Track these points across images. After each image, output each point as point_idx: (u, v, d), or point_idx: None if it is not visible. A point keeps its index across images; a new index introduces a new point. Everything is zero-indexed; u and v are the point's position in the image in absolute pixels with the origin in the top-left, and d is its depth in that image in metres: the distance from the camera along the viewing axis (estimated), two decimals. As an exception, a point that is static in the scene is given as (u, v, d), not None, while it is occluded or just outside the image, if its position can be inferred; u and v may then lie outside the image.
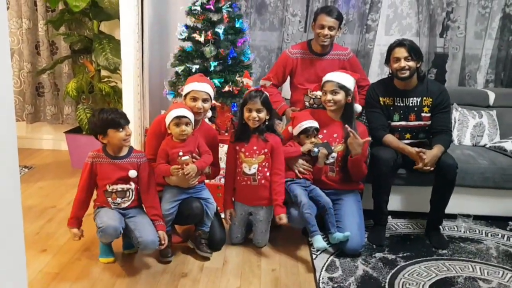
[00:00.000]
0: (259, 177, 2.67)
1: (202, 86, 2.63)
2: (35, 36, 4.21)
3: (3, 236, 1.44)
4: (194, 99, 2.61)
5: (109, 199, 2.50)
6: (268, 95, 2.69)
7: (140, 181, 2.54)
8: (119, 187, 2.50)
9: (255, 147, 2.67)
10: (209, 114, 3.44)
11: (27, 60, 4.22)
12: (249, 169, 2.67)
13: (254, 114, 2.61)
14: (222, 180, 3.20)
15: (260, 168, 2.67)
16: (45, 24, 4.10)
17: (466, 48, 3.99)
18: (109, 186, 2.49)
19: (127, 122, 2.49)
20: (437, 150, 2.84)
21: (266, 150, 2.67)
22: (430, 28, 3.96)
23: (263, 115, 2.63)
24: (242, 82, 3.37)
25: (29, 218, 3.04)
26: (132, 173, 2.50)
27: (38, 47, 4.25)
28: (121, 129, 2.45)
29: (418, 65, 2.96)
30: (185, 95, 2.66)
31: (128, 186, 2.51)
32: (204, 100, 2.62)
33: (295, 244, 2.83)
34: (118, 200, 2.50)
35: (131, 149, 2.56)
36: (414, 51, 2.91)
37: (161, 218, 2.53)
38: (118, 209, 2.51)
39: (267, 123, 2.67)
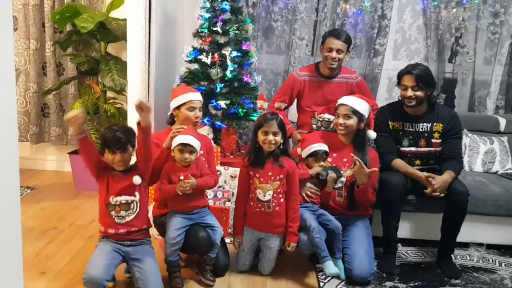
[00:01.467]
0: (273, 204, 2.58)
1: (197, 95, 2.66)
2: (42, 57, 4.21)
3: (1, 258, 1.38)
4: (193, 109, 2.60)
5: (113, 212, 2.34)
6: (283, 117, 2.62)
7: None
8: (123, 198, 2.35)
9: (270, 173, 2.58)
10: (211, 135, 3.40)
11: (33, 81, 4.21)
12: (264, 196, 2.57)
13: (271, 137, 2.53)
14: (227, 204, 3.14)
15: (275, 195, 2.57)
16: (52, 45, 4.10)
17: (476, 73, 3.95)
18: (113, 198, 2.35)
19: (123, 147, 2.33)
20: (447, 175, 2.76)
21: (281, 176, 2.58)
22: (438, 53, 3.94)
23: (279, 138, 2.54)
24: (256, 104, 3.34)
25: (29, 239, 2.96)
26: (136, 179, 2.36)
27: (45, 68, 4.24)
28: (113, 153, 2.33)
29: (429, 94, 2.90)
30: (179, 106, 2.62)
31: (132, 198, 2.37)
32: (200, 109, 2.65)
33: (302, 271, 2.73)
34: (122, 213, 2.35)
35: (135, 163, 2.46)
36: (422, 81, 2.83)
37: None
38: (120, 246, 2.35)
39: (281, 146, 2.60)
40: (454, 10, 3.86)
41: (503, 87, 3.98)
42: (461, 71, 3.95)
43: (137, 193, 2.40)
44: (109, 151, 2.34)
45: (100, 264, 2.23)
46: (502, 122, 3.69)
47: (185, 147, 2.44)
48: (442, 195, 2.73)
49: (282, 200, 2.59)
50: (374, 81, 3.98)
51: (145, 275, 2.30)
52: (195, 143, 2.46)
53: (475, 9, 3.84)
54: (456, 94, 4.02)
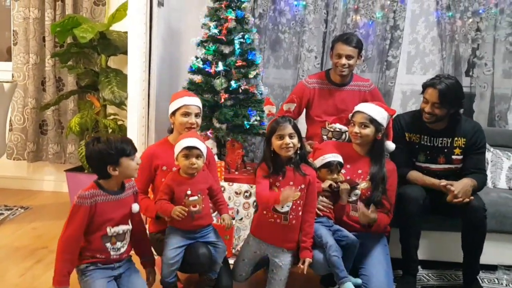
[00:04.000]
0: (291, 216, 2.30)
1: (193, 100, 2.47)
2: (41, 71, 4.08)
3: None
4: (187, 114, 2.41)
5: (108, 244, 2.05)
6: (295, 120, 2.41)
7: (133, 217, 2.17)
8: (121, 228, 2.08)
9: (291, 182, 2.30)
10: (215, 150, 3.19)
11: (32, 96, 4.07)
12: (282, 207, 2.30)
13: (288, 139, 2.26)
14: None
15: (294, 207, 2.30)
16: (51, 58, 3.96)
17: (495, 87, 3.73)
18: (111, 229, 2.05)
19: (136, 149, 2.13)
20: (468, 180, 2.55)
21: (303, 186, 2.31)
22: (455, 66, 3.73)
23: (296, 141, 2.29)
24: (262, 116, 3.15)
25: (15, 259, 2.76)
26: (135, 207, 2.12)
27: (44, 83, 4.11)
28: (133, 157, 2.07)
29: (452, 112, 2.68)
30: (173, 112, 2.45)
31: (127, 226, 2.13)
32: (197, 115, 2.45)
33: (313, 294, 2.47)
34: (118, 244, 2.08)
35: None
36: (446, 98, 2.59)
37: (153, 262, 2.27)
38: (111, 271, 2.08)
39: (299, 151, 2.35)
40: (470, 20, 3.66)
41: (525, 101, 3.75)
42: (479, 84, 3.72)
43: (130, 222, 2.15)
44: (129, 157, 2.05)
45: None
46: (526, 137, 3.45)
47: (190, 151, 2.21)
48: (467, 200, 2.49)
49: (300, 213, 2.34)
50: (387, 95, 3.77)
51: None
52: (201, 146, 2.24)
53: (492, 18, 3.64)
54: (475, 109, 3.78)
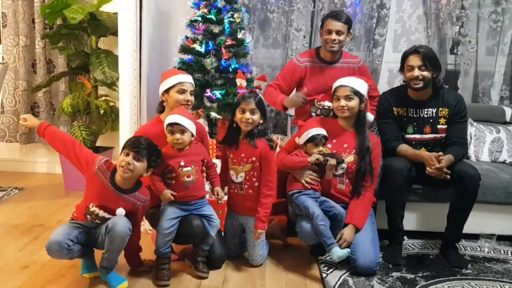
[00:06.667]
0: (246, 186, 2.49)
1: (188, 78, 2.50)
2: (32, 53, 4.08)
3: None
4: (183, 91, 2.44)
5: (88, 216, 2.21)
6: (262, 98, 2.53)
7: (132, 220, 2.24)
8: (102, 213, 2.20)
9: (243, 154, 2.48)
10: (206, 128, 3.25)
11: (22, 78, 4.07)
12: (236, 177, 2.51)
13: (248, 115, 2.42)
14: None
15: (247, 177, 2.49)
16: (41, 39, 3.97)
17: (478, 64, 3.82)
18: (93, 206, 2.20)
19: (139, 152, 2.15)
20: (447, 157, 2.62)
21: (254, 159, 2.47)
22: (440, 44, 3.81)
23: (256, 117, 2.44)
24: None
25: (13, 236, 2.82)
26: (120, 212, 2.19)
27: (34, 65, 4.11)
28: (126, 155, 2.16)
29: (435, 75, 2.76)
30: (167, 90, 2.47)
31: (111, 216, 2.22)
32: (191, 92, 2.48)
33: (303, 263, 2.57)
34: (97, 221, 2.22)
35: (138, 187, 2.25)
36: (429, 60, 2.70)
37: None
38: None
39: (260, 127, 2.48)
40: (455, -2, 3.74)
41: (507, 78, 3.84)
42: (464, 61, 3.82)
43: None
44: (123, 152, 2.17)
45: (63, 229, 2.16)
46: (508, 112, 3.54)
47: (173, 127, 2.30)
48: (448, 177, 2.57)
49: (256, 184, 2.49)
50: (375, 73, 3.85)
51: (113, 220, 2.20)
52: (184, 121, 2.30)
53: (475, -4, 3.73)
54: (459, 86, 3.88)
